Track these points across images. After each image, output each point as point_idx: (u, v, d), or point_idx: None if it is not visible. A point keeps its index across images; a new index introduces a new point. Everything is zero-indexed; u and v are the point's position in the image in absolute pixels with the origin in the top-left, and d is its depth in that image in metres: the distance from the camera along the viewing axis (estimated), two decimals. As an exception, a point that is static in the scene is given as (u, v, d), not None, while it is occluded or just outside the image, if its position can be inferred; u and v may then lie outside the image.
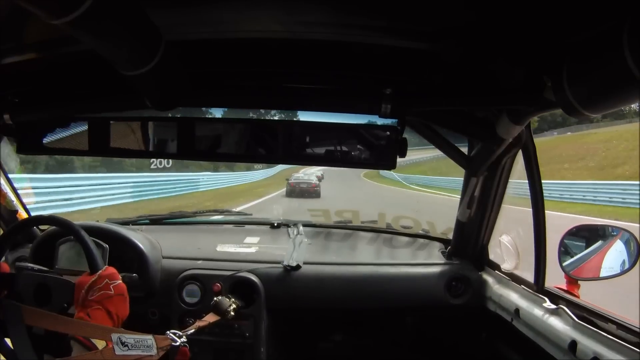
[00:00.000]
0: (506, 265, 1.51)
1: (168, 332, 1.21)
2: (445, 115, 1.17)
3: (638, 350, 0.90)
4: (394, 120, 1.08)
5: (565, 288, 1.39)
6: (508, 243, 1.52)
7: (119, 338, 1.05)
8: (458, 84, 1.09)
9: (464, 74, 1.07)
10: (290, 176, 14.24)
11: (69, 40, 0.95)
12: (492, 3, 0.79)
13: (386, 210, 2.14)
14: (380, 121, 1.09)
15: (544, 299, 1.24)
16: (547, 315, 1.19)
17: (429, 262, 1.72)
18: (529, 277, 1.35)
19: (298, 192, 13.04)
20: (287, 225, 1.98)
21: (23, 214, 1.73)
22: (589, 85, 0.78)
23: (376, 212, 2.11)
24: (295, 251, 1.71)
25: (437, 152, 1.35)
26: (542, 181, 1.27)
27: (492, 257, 1.63)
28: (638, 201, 10.52)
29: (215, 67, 1.15)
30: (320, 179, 14.83)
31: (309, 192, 13.12)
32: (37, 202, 6.63)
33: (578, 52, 0.79)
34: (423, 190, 18.35)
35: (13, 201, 1.70)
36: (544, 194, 1.27)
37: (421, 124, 1.23)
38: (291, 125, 1.15)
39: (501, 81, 1.03)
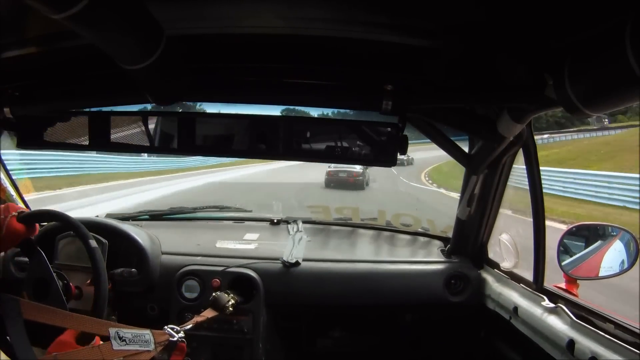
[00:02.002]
0: (505, 264, 1.51)
1: (166, 327, 1.21)
2: (446, 112, 1.17)
3: (636, 350, 0.91)
4: (395, 116, 1.08)
5: (564, 287, 1.39)
6: (507, 242, 1.52)
7: (117, 333, 1.05)
8: (459, 81, 1.09)
9: (466, 71, 1.07)
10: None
11: (70, 34, 0.94)
12: (494, 1, 0.79)
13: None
14: (381, 118, 1.09)
15: (543, 298, 1.24)
16: (545, 314, 1.19)
17: (428, 260, 1.72)
18: (528, 275, 1.36)
19: (336, 182, 11.28)
20: (287, 222, 1.98)
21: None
22: (590, 83, 0.78)
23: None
24: (294, 248, 1.71)
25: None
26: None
27: (491, 255, 1.63)
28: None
29: (216, 63, 1.14)
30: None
31: (348, 182, 11.24)
32: None
33: (580, 51, 0.78)
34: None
35: (13, 195, 1.70)
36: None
37: (422, 121, 1.23)
38: (292, 121, 1.15)
39: (503, 79, 1.02)
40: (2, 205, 1.16)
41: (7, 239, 1.18)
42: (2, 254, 1.35)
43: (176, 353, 1.22)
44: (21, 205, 1.73)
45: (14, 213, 1.17)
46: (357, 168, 11.17)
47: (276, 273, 1.62)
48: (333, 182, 11.43)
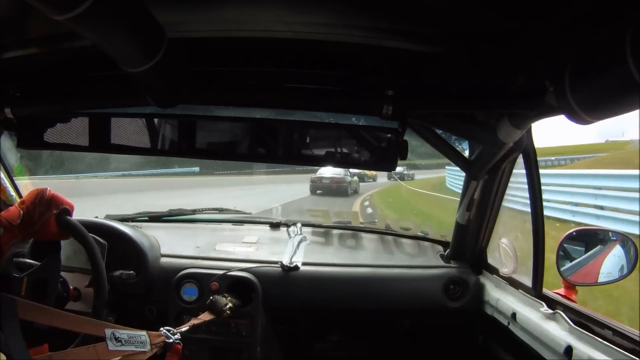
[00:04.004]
0: (504, 269, 1.51)
1: (162, 328, 1.21)
2: (447, 118, 1.17)
3: (634, 357, 0.90)
4: (395, 122, 1.08)
5: (562, 293, 1.39)
6: (507, 247, 1.52)
7: (113, 333, 1.05)
8: (460, 87, 1.09)
9: (467, 77, 1.07)
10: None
11: (72, 35, 0.95)
12: (496, 8, 0.79)
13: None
14: (381, 123, 1.09)
15: (541, 304, 1.24)
16: (543, 320, 1.19)
17: (427, 265, 1.72)
18: (527, 281, 1.35)
19: (320, 187, 11.32)
20: (287, 225, 1.98)
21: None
22: (591, 90, 0.78)
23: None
24: (294, 251, 1.71)
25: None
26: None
27: (490, 260, 1.63)
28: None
29: (217, 66, 1.15)
30: (356, 174, 11.84)
31: (330, 188, 11.27)
32: None
33: (581, 57, 0.78)
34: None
35: (13, 196, 1.70)
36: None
37: (422, 127, 1.23)
38: (293, 125, 1.15)
39: (503, 85, 1.02)
40: (47, 196, 1.15)
41: (39, 233, 1.17)
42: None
43: (171, 354, 1.22)
44: None
45: (55, 211, 1.16)
46: (340, 175, 11.28)
47: (275, 277, 1.62)
48: (318, 189, 11.50)
